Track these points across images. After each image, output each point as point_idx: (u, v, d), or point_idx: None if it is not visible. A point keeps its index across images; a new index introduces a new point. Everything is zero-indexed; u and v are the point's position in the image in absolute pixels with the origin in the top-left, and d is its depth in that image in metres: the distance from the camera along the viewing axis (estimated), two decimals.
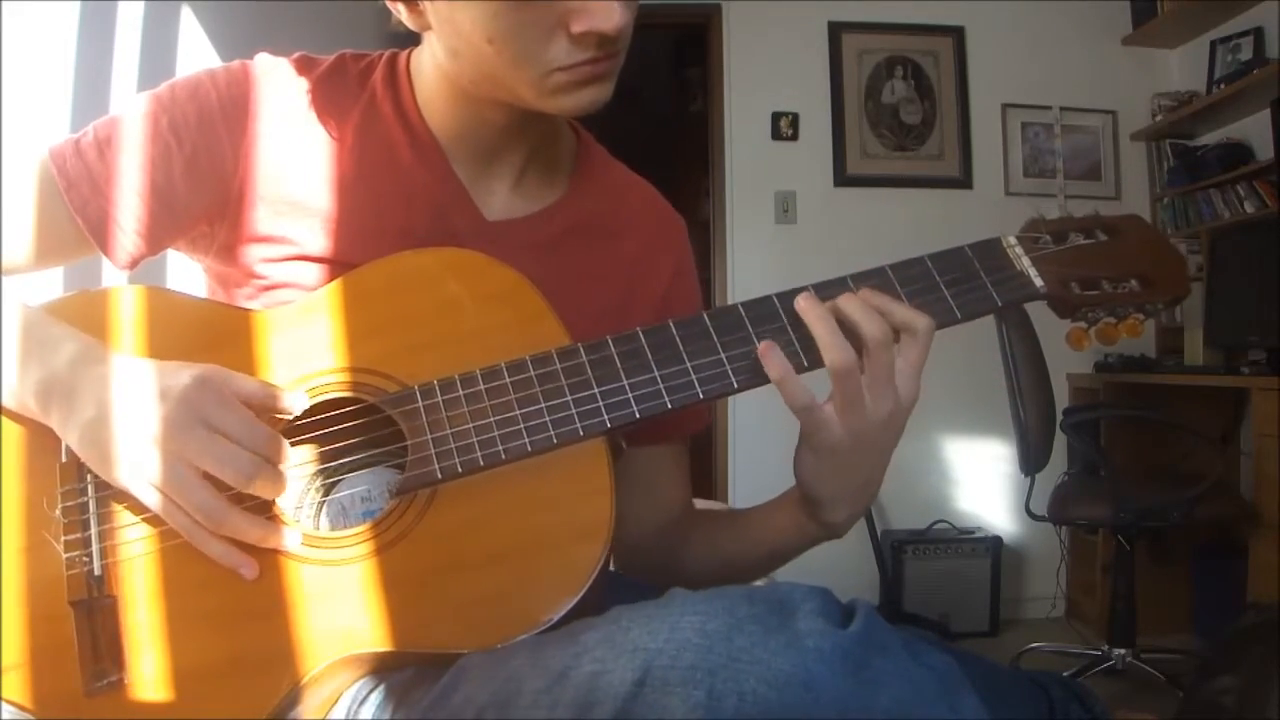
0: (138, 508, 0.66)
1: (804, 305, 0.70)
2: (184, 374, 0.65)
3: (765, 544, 0.82)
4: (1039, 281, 0.75)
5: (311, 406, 0.71)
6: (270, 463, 0.65)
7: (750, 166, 3.46)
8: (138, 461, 0.64)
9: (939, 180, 3.42)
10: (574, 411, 0.68)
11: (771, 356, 0.69)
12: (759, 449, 3.13)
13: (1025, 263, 0.75)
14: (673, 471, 0.92)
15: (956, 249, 0.75)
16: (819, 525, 0.77)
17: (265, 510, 0.67)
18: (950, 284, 0.73)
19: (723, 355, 0.71)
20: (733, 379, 0.70)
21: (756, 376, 0.70)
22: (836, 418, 0.69)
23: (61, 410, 0.66)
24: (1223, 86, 3.14)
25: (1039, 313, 2.91)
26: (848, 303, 0.69)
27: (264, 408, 0.67)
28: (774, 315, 0.72)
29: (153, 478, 0.64)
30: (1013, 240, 0.76)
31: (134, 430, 0.64)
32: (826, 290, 0.72)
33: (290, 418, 0.69)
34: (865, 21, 3.47)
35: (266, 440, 0.65)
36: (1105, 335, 0.78)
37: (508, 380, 0.69)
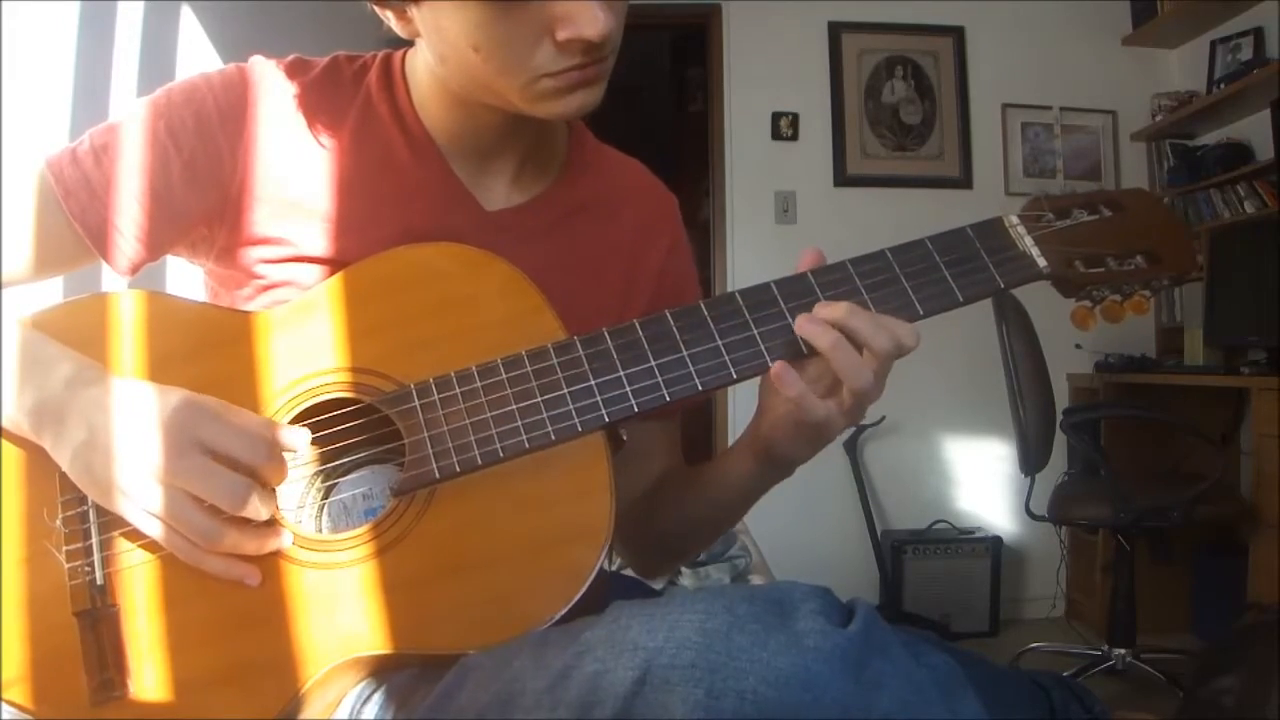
0: None
1: (810, 330, 0.68)
2: (176, 396, 0.65)
3: (727, 495, 0.84)
4: (1042, 261, 0.73)
5: (311, 407, 0.71)
6: (270, 476, 0.65)
7: (750, 166, 3.46)
8: (131, 489, 0.63)
9: (939, 180, 3.42)
10: (571, 407, 0.68)
11: (787, 378, 0.68)
12: None
13: (1028, 242, 0.74)
14: (665, 445, 0.92)
15: (957, 230, 0.74)
16: (779, 474, 0.80)
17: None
18: (951, 265, 0.72)
19: (720, 344, 0.70)
20: (731, 370, 0.69)
21: (755, 367, 0.69)
22: (842, 418, 0.70)
23: (53, 432, 0.66)
24: (1223, 86, 3.14)
25: (1039, 311, 2.92)
26: (854, 319, 0.68)
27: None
28: (771, 302, 0.71)
29: (147, 505, 0.64)
30: (1015, 219, 0.75)
31: (126, 455, 0.63)
32: (826, 276, 0.72)
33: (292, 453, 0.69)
34: (865, 21, 3.47)
35: (265, 449, 0.65)
36: (1111, 313, 0.76)
37: (504, 377, 0.69)
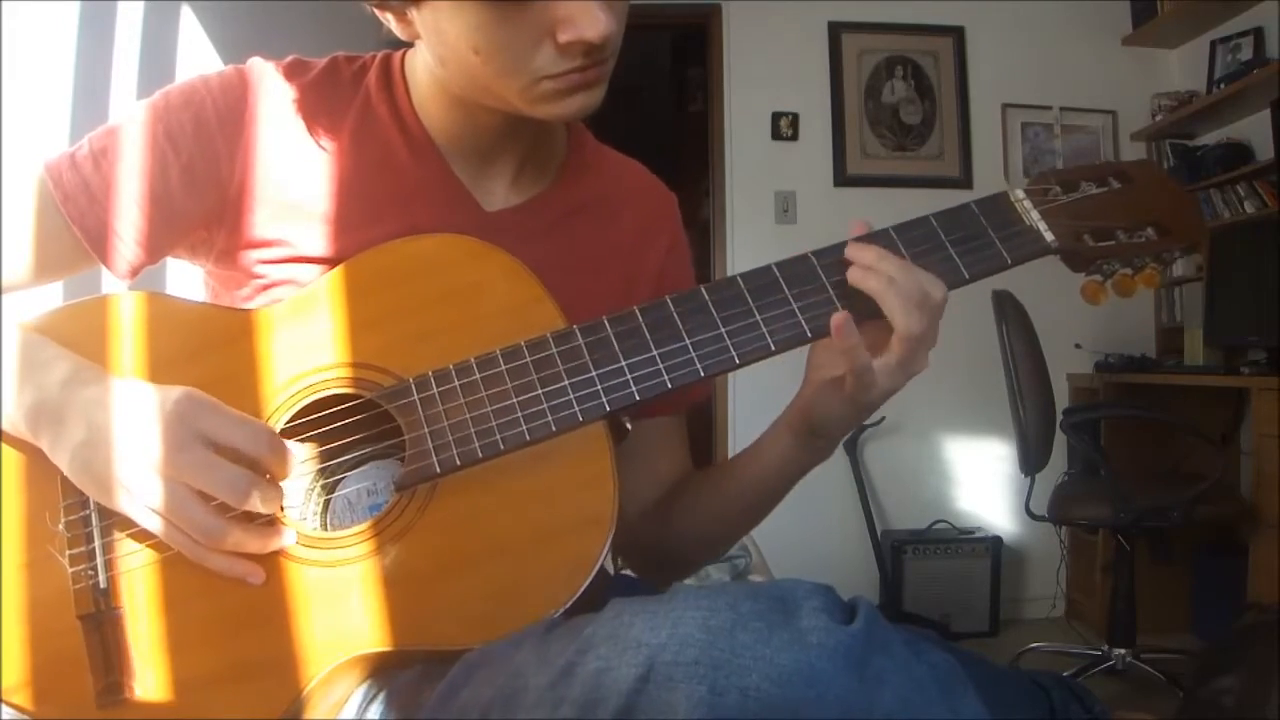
0: None
1: (857, 276, 0.69)
2: (176, 391, 0.65)
3: (763, 481, 0.83)
4: (1050, 236, 0.72)
5: (312, 403, 0.71)
6: (274, 467, 0.65)
7: (750, 166, 3.46)
8: (132, 485, 0.63)
9: (939, 180, 3.42)
10: (571, 396, 0.67)
11: (847, 327, 0.67)
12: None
13: (1034, 216, 0.73)
14: (672, 442, 0.92)
15: (962, 206, 0.73)
16: (818, 450, 0.78)
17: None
18: (957, 243, 0.71)
19: (722, 330, 0.69)
20: (734, 354, 0.69)
21: (758, 350, 0.69)
22: (887, 377, 0.69)
23: (51, 433, 0.66)
24: (1223, 86, 3.14)
25: (1039, 311, 2.90)
26: (884, 263, 0.68)
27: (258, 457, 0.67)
28: (773, 285, 0.70)
29: (148, 501, 0.63)
30: (1021, 194, 0.74)
31: (126, 452, 0.63)
32: (828, 257, 0.71)
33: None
34: (865, 21, 3.47)
35: (268, 440, 0.65)
36: (1122, 287, 0.75)
37: (504, 368, 0.68)
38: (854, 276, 0.69)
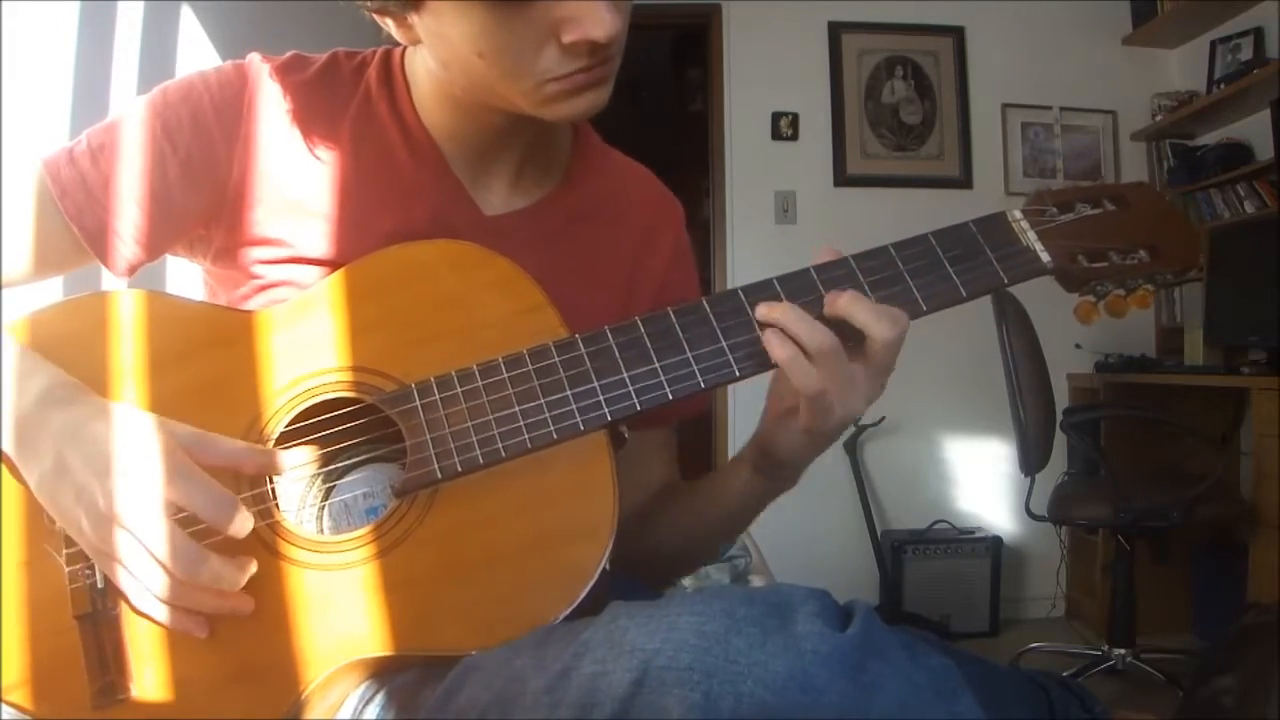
0: None
1: (764, 311, 0.69)
2: (150, 439, 0.62)
3: (726, 508, 0.84)
4: (1045, 256, 0.73)
5: (312, 406, 0.71)
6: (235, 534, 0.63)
7: (750, 166, 3.46)
8: (91, 531, 0.62)
9: (939, 180, 3.43)
10: (574, 406, 0.67)
11: (775, 341, 0.67)
12: None
13: (1031, 237, 0.74)
14: (661, 454, 0.92)
15: (960, 225, 0.74)
16: (778, 481, 0.80)
17: (265, 515, 0.67)
18: (954, 261, 0.72)
19: (724, 343, 0.69)
20: (734, 367, 0.69)
21: (759, 363, 0.69)
22: (835, 403, 0.69)
23: (22, 455, 0.65)
24: (1223, 86, 3.14)
25: (1039, 311, 2.90)
26: (843, 303, 0.69)
27: (255, 471, 0.67)
28: (775, 298, 0.70)
29: (109, 550, 0.62)
30: (1018, 214, 0.75)
31: (87, 497, 0.61)
32: (828, 272, 0.71)
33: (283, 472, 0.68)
34: (865, 21, 3.47)
35: (230, 511, 0.62)
36: (1114, 307, 0.76)
37: (505, 376, 0.68)
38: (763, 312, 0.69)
